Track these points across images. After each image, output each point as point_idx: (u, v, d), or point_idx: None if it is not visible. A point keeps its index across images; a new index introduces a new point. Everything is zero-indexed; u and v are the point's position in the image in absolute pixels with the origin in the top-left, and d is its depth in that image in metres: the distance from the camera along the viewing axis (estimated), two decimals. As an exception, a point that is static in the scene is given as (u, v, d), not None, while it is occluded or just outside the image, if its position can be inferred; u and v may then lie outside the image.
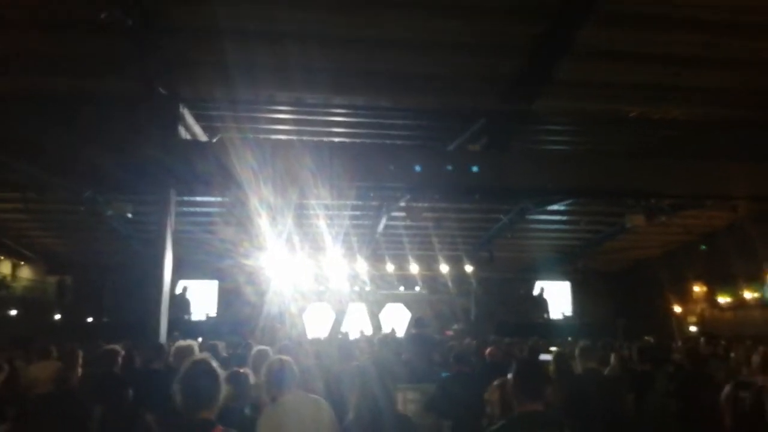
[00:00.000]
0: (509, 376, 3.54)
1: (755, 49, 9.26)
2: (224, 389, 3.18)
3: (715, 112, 11.46)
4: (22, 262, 22.70)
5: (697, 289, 21.14)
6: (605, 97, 10.76)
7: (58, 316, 21.41)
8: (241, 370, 4.75)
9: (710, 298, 20.69)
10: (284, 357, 4.65)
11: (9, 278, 22.11)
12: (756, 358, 6.10)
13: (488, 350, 8.55)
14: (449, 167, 10.42)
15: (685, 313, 21.65)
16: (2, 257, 21.76)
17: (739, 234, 16.77)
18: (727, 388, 5.80)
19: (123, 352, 7.11)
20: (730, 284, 19.39)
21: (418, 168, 10.39)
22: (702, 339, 11.20)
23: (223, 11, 8.18)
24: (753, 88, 10.42)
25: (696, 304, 21.33)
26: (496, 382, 4.40)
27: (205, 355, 3.49)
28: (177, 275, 12.98)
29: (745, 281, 18.63)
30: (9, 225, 18.75)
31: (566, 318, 23.87)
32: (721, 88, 10.48)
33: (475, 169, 10.36)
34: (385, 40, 9.16)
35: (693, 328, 20.80)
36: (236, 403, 4.44)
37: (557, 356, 7.69)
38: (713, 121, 11.80)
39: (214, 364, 3.23)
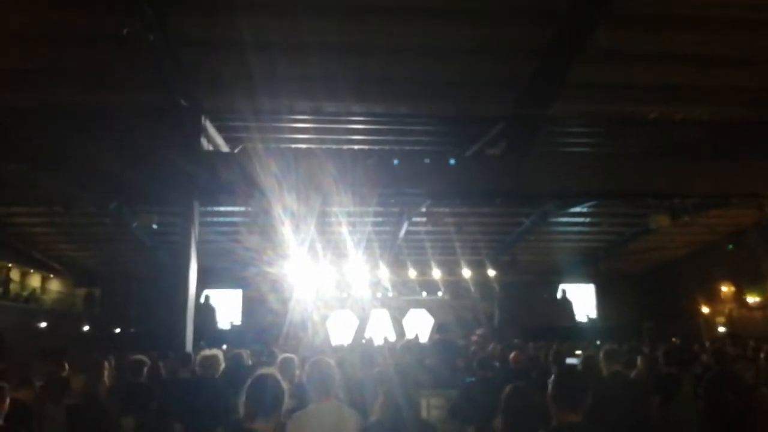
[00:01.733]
0: (549, 385, 3.50)
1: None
2: (286, 403, 3.34)
3: (737, 111, 11.32)
4: (51, 275, 23.11)
5: (725, 289, 20.79)
6: (624, 99, 10.70)
7: (86, 328, 21.74)
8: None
9: (738, 297, 20.34)
10: (330, 360, 4.72)
11: (38, 291, 22.52)
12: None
13: (512, 355, 8.45)
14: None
15: (713, 314, 21.30)
16: (32, 270, 22.19)
17: (767, 232, 16.50)
18: None
19: (149, 363, 7.22)
20: (759, 283, 19.05)
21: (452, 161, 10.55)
22: (728, 339, 11.02)
23: (242, 23, 8.31)
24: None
25: (724, 305, 20.97)
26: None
27: (272, 369, 3.66)
28: (202, 285, 13.12)
29: (775, 280, 18.32)
30: (38, 239, 19.11)
31: (591, 321, 23.63)
32: (741, 87, 10.37)
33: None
34: (402, 48, 9.23)
35: (721, 329, 20.46)
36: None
37: (586, 359, 7.63)
38: (734, 120, 11.67)
39: (279, 377, 3.39)
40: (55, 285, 23.59)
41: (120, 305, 22.42)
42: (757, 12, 8.39)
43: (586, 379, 4.63)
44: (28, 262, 21.01)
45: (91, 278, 23.20)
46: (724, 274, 20.49)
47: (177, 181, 10.45)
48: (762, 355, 10.12)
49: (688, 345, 12.74)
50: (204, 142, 11.15)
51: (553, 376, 3.57)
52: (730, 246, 19.17)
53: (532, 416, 3.77)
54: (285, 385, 3.34)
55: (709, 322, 21.21)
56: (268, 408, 3.21)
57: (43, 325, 20.75)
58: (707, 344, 13.20)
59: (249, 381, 3.33)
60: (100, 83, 9.89)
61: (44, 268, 22.17)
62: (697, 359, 9.78)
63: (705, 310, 21.43)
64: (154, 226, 14.61)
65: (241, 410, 3.26)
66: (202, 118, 11.05)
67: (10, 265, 20.63)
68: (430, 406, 7.08)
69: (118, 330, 21.27)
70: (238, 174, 10.06)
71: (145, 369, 6.97)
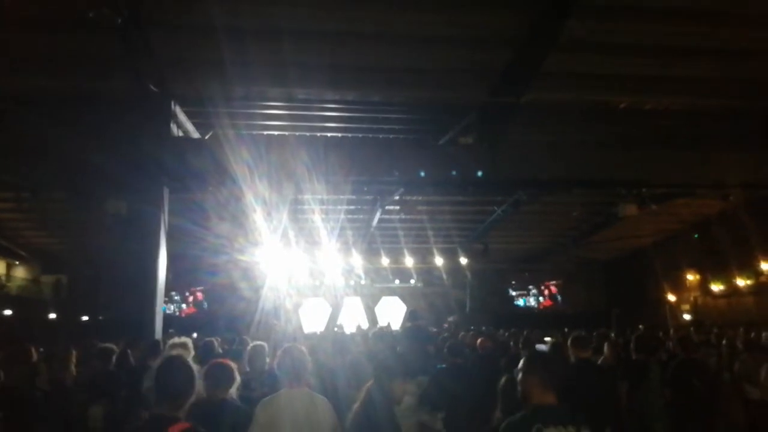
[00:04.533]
0: (520, 366, 3.38)
1: (745, 39, 9.32)
2: (198, 386, 3.16)
3: (706, 101, 11.51)
4: (17, 262, 22.67)
5: (691, 277, 21.26)
6: (595, 89, 10.79)
7: (53, 316, 21.40)
8: (225, 362, 4.63)
9: (703, 285, 20.83)
10: (302, 347, 4.64)
11: (3, 278, 22.09)
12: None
13: (479, 341, 8.48)
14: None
15: (678, 302, 21.78)
16: (-4, 257, 21.77)
17: (732, 222, 16.87)
18: None
19: (117, 351, 7.13)
20: (723, 272, 19.52)
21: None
22: (693, 327, 11.32)
23: (215, 8, 8.15)
24: (742, 78, 10.49)
25: (689, 292, 21.47)
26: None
27: (179, 351, 3.49)
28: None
29: (738, 269, 18.76)
30: (4, 225, 18.72)
31: (561, 308, 24.02)
32: (710, 78, 10.53)
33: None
34: (376, 35, 9.16)
35: (687, 316, 20.93)
36: (227, 396, 4.40)
37: (553, 346, 7.75)
38: (704, 110, 11.86)
39: (189, 361, 3.23)
40: (20, 272, 23.15)
41: (88, 292, 22.09)
42: (727, 5, 8.53)
43: (557, 360, 4.67)
44: (-7, 248, 20.60)
45: (58, 265, 22.81)
46: (689, 263, 20.95)
47: (147, 168, 10.29)
48: (724, 342, 10.40)
49: (653, 332, 13.02)
50: (174, 128, 10.98)
51: (524, 357, 3.48)
52: (696, 235, 19.59)
53: None
54: (195, 368, 3.19)
55: (675, 310, 21.69)
56: (175, 393, 3.04)
57: (8, 312, 20.38)
58: (672, 331, 13.51)
59: (156, 366, 3.20)
60: (67, 68, 9.65)
61: (9, 255, 21.73)
62: (663, 346, 9.99)
63: (671, 297, 21.90)
64: (123, 213, 14.39)
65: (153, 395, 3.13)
66: (172, 103, 10.89)
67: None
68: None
69: (85, 318, 20.99)
70: (208, 161, 9.94)
71: (114, 357, 6.89)
